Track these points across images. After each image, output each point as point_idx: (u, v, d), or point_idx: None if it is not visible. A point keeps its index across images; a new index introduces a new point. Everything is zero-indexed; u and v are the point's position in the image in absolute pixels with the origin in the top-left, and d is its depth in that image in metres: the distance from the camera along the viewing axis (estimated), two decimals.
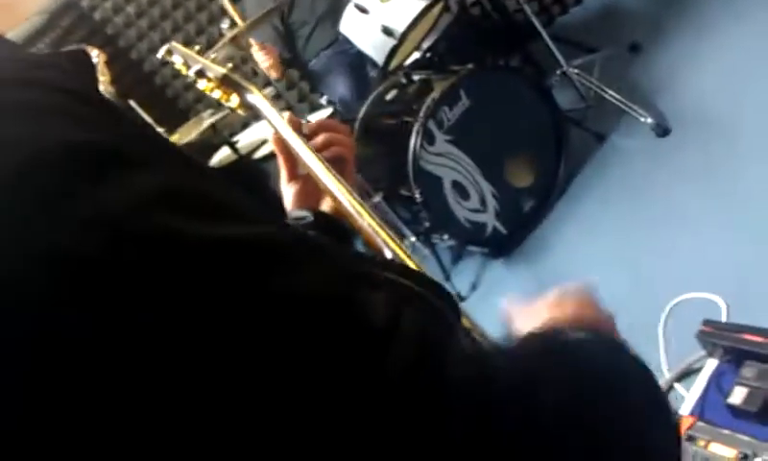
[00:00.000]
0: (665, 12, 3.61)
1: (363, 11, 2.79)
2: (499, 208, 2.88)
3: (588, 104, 3.20)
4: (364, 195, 2.91)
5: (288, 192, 1.01)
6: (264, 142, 3.34)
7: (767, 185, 2.31)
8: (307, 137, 0.97)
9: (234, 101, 1.12)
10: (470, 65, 2.78)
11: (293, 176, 1.00)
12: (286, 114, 0.99)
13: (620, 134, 3.05)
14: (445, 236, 2.88)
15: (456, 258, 3.14)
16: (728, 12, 3.18)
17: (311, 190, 0.98)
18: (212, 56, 1.17)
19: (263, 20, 2.99)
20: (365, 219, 0.89)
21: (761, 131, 2.52)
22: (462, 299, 2.86)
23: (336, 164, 0.94)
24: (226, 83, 1.11)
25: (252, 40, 3.21)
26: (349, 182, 0.94)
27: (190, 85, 4.03)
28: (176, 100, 4.18)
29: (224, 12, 3.87)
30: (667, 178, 2.70)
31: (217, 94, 1.13)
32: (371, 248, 0.89)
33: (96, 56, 2.39)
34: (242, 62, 3.71)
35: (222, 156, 3.40)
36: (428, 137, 2.71)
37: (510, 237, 2.94)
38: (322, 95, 3.54)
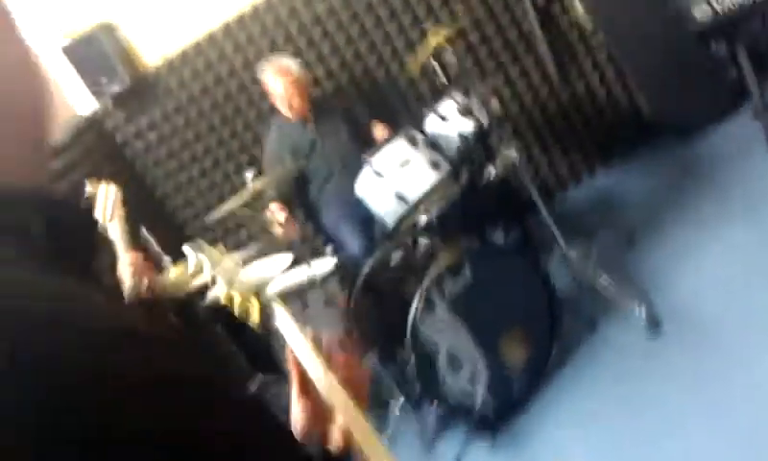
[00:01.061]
0: (664, 204, 3.76)
1: (379, 175, 2.91)
2: (490, 385, 2.89)
3: (583, 289, 3.29)
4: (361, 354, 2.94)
5: (297, 406, 1.01)
6: (264, 283, 3.39)
7: (754, 394, 2.36)
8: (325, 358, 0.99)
9: (255, 308, 1.16)
10: (477, 242, 2.88)
11: (304, 391, 1.01)
12: (308, 336, 1.01)
13: (612, 324, 3.10)
14: (434, 404, 2.89)
15: (441, 427, 3.12)
16: (725, 213, 3.32)
17: (321, 412, 0.97)
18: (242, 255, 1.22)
19: (286, 177, 3.14)
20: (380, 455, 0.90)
21: (752, 336, 2.59)
22: None
23: (350, 388, 0.96)
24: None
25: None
26: (363, 408, 0.95)
27: (198, 214, 4.14)
28: (183, 227, 4.26)
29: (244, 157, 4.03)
30: (656, 375, 2.73)
31: (233, 296, 1.17)
32: None
33: (114, 192, 2.47)
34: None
35: (218, 292, 3.43)
36: (429, 305, 2.77)
37: (497, 418, 2.93)
38: (327, 244, 3.63)
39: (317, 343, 1.01)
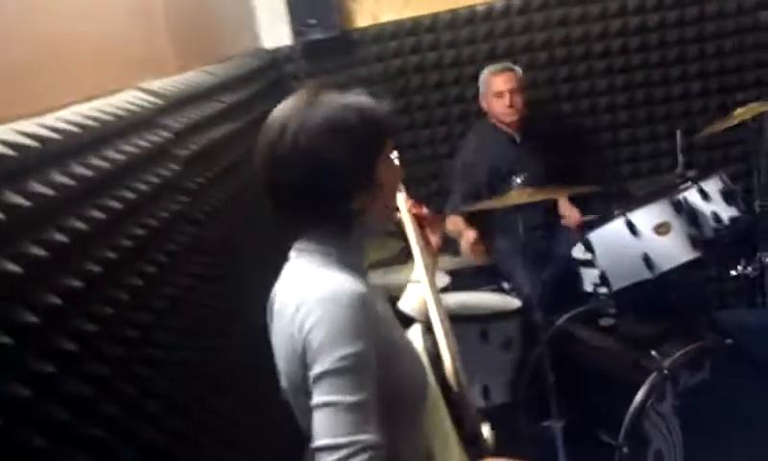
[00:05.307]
0: None
1: (634, 231, 2.59)
2: None
3: None
4: None
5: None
6: None
7: None
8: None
9: None
10: (728, 341, 2.54)
11: None
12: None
13: None
14: None
15: None
16: None
17: None
18: None
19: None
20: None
21: None
22: None
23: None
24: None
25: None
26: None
27: None
28: None
29: None
30: None
31: None
32: None
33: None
34: None
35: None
36: (660, 395, 2.42)
37: None
38: (496, 275, 3.30)
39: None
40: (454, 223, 3.28)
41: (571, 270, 3.01)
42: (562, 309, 2.98)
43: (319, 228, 1.30)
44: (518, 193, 2.67)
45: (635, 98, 3.83)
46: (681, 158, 3.35)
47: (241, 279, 2.29)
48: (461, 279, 3.15)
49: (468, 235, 3.10)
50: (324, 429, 1.09)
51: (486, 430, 1.47)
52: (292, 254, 1.35)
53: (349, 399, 1.09)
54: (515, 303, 2.98)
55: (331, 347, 1.12)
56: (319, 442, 1.09)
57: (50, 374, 1.29)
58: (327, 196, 1.26)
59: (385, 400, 1.17)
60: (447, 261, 3.10)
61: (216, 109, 2.55)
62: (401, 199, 1.61)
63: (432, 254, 1.67)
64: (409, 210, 1.64)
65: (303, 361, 1.16)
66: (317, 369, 1.12)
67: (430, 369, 1.38)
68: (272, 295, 1.36)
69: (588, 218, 3.19)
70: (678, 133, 3.37)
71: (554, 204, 3.41)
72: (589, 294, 2.93)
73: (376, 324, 1.21)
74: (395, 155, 1.39)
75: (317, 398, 1.11)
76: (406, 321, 1.55)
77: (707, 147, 3.76)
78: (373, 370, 1.15)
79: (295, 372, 1.21)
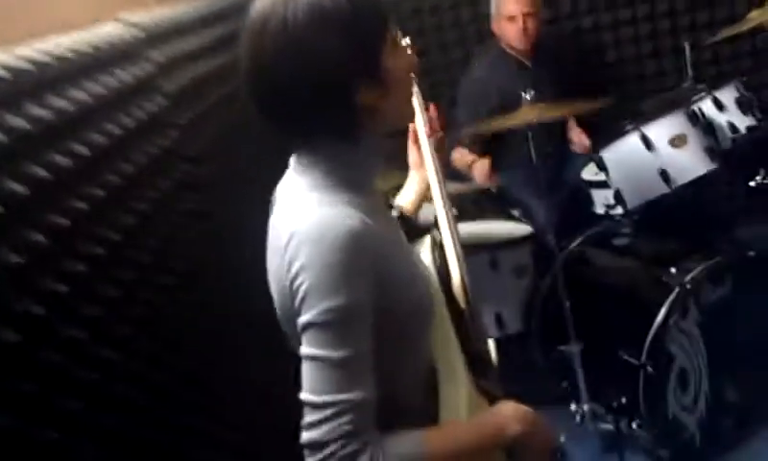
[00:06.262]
0: None
1: (649, 146, 2.47)
2: (705, 417, 2.47)
3: None
4: None
5: (415, 174, 1.66)
6: None
7: None
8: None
9: None
10: (751, 252, 2.45)
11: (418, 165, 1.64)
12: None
13: None
14: (636, 424, 2.45)
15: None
16: None
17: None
18: None
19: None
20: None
21: None
22: None
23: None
24: None
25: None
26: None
27: None
28: None
29: None
30: None
31: None
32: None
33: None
34: None
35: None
36: (683, 312, 2.34)
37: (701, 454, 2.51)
38: (509, 205, 3.17)
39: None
40: (462, 155, 3.15)
41: (583, 192, 2.92)
42: (575, 233, 2.89)
43: (322, 135, 1.15)
44: (529, 109, 2.53)
45: (637, 13, 3.68)
46: (690, 72, 3.23)
47: (237, 216, 2.18)
48: (468, 208, 3.04)
49: (483, 163, 2.99)
50: (310, 384, 1.02)
51: (490, 346, 1.41)
52: (291, 165, 1.20)
53: (336, 354, 1.00)
54: (526, 229, 2.88)
55: (317, 297, 1.01)
56: (305, 396, 1.02)
57: (39, 316, 1.20)
58: (323, 95, 1.08)
59: (388, 332, 1.08)
60: (454, 188, 2.99)
61: (202, 43, 2.41)
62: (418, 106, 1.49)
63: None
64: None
65: (292, 299, 1.05)
66: (303, 318, 1.03)
67: (438, 285, 1.29)
68: (273, 198, 1.23)
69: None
70: (686, 45, 3.25)
71: (563, 130, 3.29)
72: (602, 216, 2.85)
73: (376, 260, 1.07)
74: (405, 41, 1.25)
75: (304, 349, 1.03)
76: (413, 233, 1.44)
77: (714, 61, 3.62)
78: (367, 317, 1.04)
79: (285, 304, 1.11)
